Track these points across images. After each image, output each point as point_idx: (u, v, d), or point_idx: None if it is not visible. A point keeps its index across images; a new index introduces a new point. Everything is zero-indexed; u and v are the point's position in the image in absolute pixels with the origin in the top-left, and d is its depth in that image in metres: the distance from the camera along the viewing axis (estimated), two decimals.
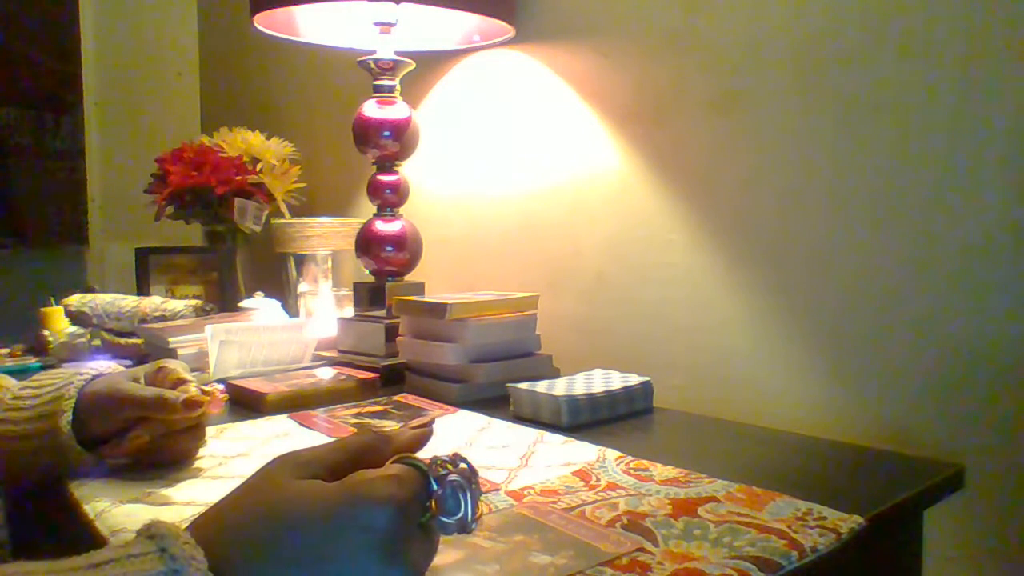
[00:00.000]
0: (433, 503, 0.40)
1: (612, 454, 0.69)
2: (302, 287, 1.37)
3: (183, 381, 0.67)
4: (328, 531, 0.37)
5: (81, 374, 0.67)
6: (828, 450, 0.74)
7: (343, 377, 1.00)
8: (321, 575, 0.37)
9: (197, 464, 0.69)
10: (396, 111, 1.12)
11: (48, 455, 0.64)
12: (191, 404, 0.65)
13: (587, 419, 0.81)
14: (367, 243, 1.14)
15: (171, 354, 1.04)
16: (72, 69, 1.94)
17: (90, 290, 1.39)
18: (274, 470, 0.40)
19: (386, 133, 1.11)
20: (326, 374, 1.03)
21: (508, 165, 1.21)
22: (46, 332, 1.23)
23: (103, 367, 0.71)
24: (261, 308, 1.27)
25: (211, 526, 0.38)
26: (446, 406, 0.90)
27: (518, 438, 0.76)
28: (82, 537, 0.56)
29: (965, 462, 0.69)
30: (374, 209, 1.16)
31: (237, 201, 1.44)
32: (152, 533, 0.36)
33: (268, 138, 1.53)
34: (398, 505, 0.38)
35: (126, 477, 0.65)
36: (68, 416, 0.64)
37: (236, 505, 0.39)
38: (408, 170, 1.19)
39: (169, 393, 0.65)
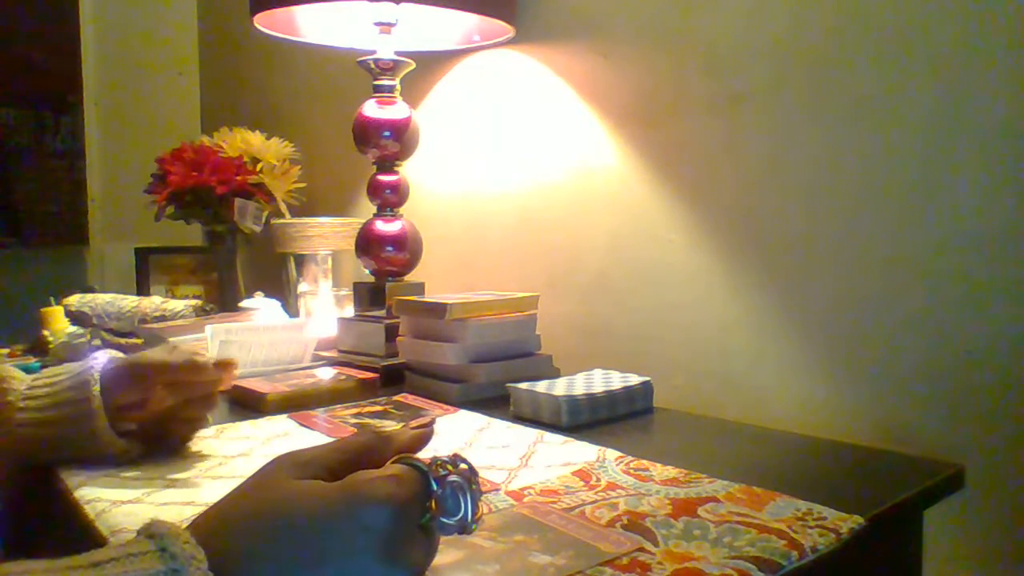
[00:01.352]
0: (433, 503, 0.40)
1: (612, 454, 0.69)
2: (302, 287, 1.37)
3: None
4: (328, 530, 0.37)
5: (95, 358, 0.70)
6: (828, 450, 0.74)
7: (343, 377, 1.00)
8: (321, 575, 0.37)
9: (197, 464, 0.69)
10: (396, 111, 1.12)
11: (73, 428, 0.66)
12: (222, 365, 0.71)
13: (587, 419, 0.81)
14: (367, 243, 1.14)
15: None
16: (72, 69, 1.94)
17: (90, 290, 1.39)
18: (274, 470, 0.40)
19: (386, 133, 1.11)
20: (326, 374, 1.03)
21: (508, 165, 1.21)
22: (46, 332, 1.23)
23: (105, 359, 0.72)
24: (261, 308, 1.27)
25: (211, 525, 0.38)
26: (446, 406, 0.90)
27: (518, 438, 0.76)
28: (82, 537, 0.56)
29: (965, 462, 0.69)
30: (374, 209, 1.16)
31: (237, 201, 1.44)
32: (152, 532, 0.36)
33: (268, 138, 1.53)
34: (398, 505, 0.38)
35: (126, 477, 0.65)
36: (96, 388, 0.66)
37: (236, 505, 0.39)
38: (408, 170, 1.19)
39: (198, 356, 0.70)
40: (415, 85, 1.32)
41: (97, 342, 1.23)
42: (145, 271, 1.56)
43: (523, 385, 0.86)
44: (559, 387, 0.85)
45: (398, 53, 1.12)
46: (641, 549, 0.49)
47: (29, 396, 0.67)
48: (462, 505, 0.41)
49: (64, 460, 0.67)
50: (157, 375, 0.68)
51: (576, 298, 1.11)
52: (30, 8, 1.88)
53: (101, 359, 0.70)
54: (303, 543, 0.37)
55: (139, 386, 0.68)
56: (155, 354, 0.70)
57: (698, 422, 0.85)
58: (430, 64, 1.31)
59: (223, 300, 1.49)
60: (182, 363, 0.68)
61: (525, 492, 0.60)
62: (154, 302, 1.28)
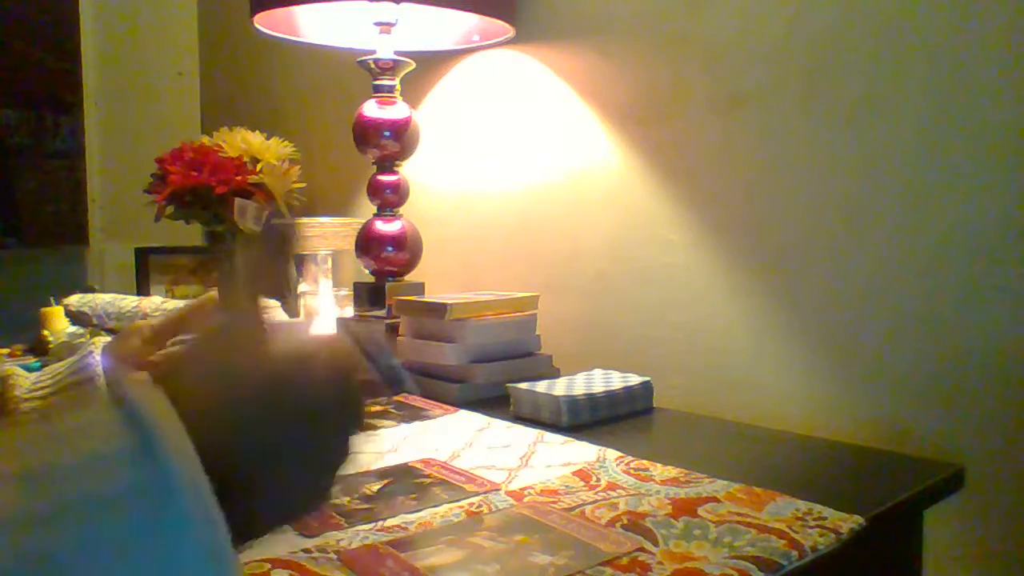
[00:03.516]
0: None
1: (612, 454, 0.69)
2: (302, 287, 1.37)
3: None
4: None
5: (92, 345, 0.70)
6: (828, 450, 0.74)
7: None
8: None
9: None
10: (396, 111, 1.12)
11: None
12: None
13: (587, 419, 0.81)
14: (367, 243, 1.14)
15: None
16: (72, 69, 1.94)
17: (90, 290, 1.39)
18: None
19: (386, 133, 1.11)
20: None
21: (508, 165, 1.21)
22: (46, 332, 1.23)
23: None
24: None
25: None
26: (446, 406, 0.90)
27: (518, 438, 0.76)
28: None
29: (965, 462, 0.69)
30: (374, 209, 1.16)
31: (237, 201, 1.44)
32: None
33: (268, 138, 1.53)
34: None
35: None
36: (100, 369, 0.66)
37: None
38: (408, 170, 1.19)
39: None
40: (415, 85, 1.32)
41: (96, 340, 1.23)
42: (145, 271, 1.56)
43: (523, 385, 0.86)
44: (559, 387, 0.85)
45: (398, 53, 1.12)
46: (641, 549, 0.49)
47: (34, 390, 0.67)
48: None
49: None
50: (157, 335, 0.69)
51: (576, 298, 1.11)
52: (30, 8, 1.88)
53: (99, 346, 0.70)
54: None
55: (139, 350, 0.69)
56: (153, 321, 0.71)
57: (698, 422, 0.85)
58: (430, 64, 1.31)
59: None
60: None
61: (525, 492, 0.60)
62: (154, 302, 1.28)
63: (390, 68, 1.12)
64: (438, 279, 1.29)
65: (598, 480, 0.63)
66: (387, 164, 1.14)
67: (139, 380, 0.32)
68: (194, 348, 0.37)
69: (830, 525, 0.52)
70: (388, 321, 1.08)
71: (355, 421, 0.36)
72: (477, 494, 0.60)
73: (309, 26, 1.24)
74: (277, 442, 0.33)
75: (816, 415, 0.85)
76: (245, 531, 0.31)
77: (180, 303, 1.29)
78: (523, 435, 0.77)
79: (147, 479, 0.26)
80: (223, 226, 1.51)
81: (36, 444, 0.28)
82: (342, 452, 0.35)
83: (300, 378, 0.34)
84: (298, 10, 1.18)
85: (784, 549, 0.49)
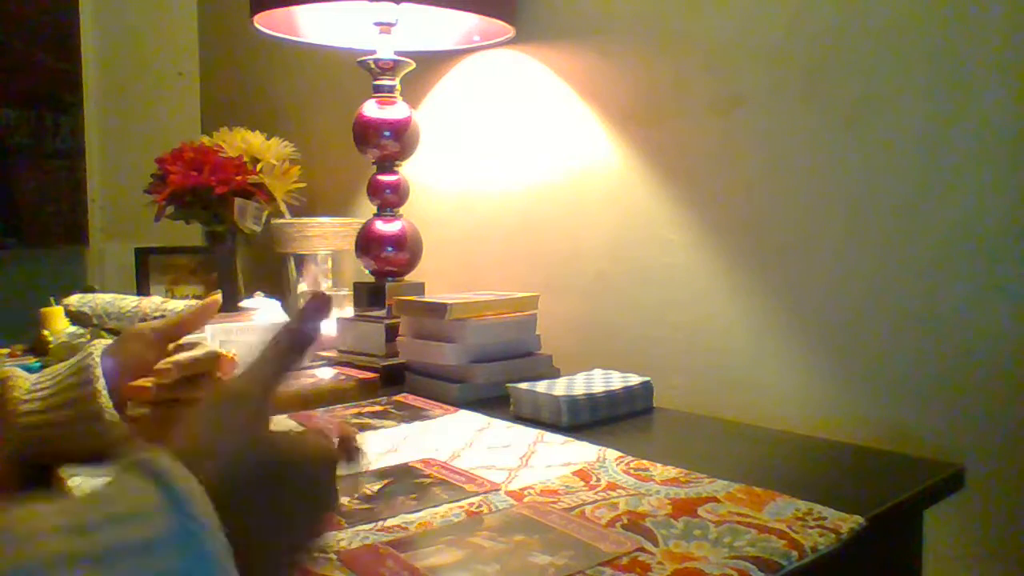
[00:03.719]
0: None
1: (612, 454, 0.69)
2: (302, 287, 1.37)
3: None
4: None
5: (92, 345, 0.69)
6: (828, 450, 0.74)
7: (343, 377, 1.00)
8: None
9: None
10: (396, 111, 1.12)
11: (77, 411, 0.65)
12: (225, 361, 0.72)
13: (587, 419, 0.81)
14: (367, 243, 1.14)
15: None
16: (72, 69, 1.94)
17: (90, 290, 1.39)
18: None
19: (386, 133, 1.11)
20: (326, 374, 1.03)
21: (508, 165, 1.21)
22: (46, 332, 1.23)
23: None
24: (261, 308, 1.27)
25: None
26: (446, 406, 0.90)
27: (518, 438, 0.76)
28: None
29: (965, 462, 0.69)
30: (374, 209, 1.16)
31: (237, 201, 1.44)
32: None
33: (268, 138, 1.53)
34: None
35: None
36: (98, 371, 0.65)
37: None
38: (408, 170, 1.19)
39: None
40: (415, 85, 1.32)
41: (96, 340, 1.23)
42: (145, 271, 1.56)
43: (523, 385, 0.86)
44: (559, 387, 0.85)
45: (398, 53, 1.12)
46: (641, 549, 0.49)
47: (33, 391, 0.67)
48: None
49: (68, 457, 0.67)
50: (158, 339, 0.70)
51: (576, 298, 1.11)
52: (30, 8, 1.88)
53: (99, 346, 0.70)
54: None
55: (141, 353, 0.68)
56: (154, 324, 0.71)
57: (698, 422, 0.85)
58: (430, 64, 1.31)
59: (223, 300, 1.49)
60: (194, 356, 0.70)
61: (525, 492, 0.60)
62: (154, 302, 1.28)
63: (390, 68, 1.12)
64: (438, 279, 1.29)
65: (598, 480, 0.63)
66: (387, 164, 1.14)
67: (168, 459, 0.34)
68: (206, 424, 0.41)
69: (830, 525, 0.52)
70: (388, 321, 1.08)
71: (333, 502, 0.43)
72: (477, 494, 0.60)
73: (309, 26, 1.24)
74: (271, 517, 0.38)
75: (816, 415, 0.85)
76: None
77: (180, 303, 1.29)
78: (523, 435, 0.77)
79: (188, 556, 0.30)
80: (223, 226, 1.51)
81: (81, 515, 0.31)
82: (321, 527, 0.42)
83: (294, 463, 0.40)
84: (298, 10, 1.18)
85: (784, 549, 0.49)
